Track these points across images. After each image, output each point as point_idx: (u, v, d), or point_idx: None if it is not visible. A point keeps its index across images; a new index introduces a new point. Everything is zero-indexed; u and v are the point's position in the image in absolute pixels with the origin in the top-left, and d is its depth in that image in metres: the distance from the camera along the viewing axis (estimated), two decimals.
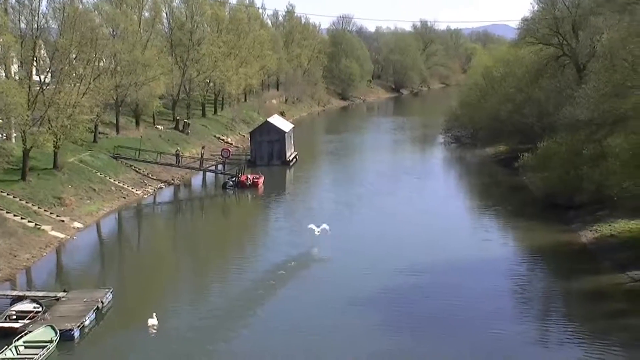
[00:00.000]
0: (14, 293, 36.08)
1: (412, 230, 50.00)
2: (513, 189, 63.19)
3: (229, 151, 78.83)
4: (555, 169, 52.37)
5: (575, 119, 50.37)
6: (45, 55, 63.11)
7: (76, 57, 59.75)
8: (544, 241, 45.71)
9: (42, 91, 56.13)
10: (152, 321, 32.41)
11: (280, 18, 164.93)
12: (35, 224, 48.11)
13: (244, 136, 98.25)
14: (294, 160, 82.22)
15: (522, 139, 73.10)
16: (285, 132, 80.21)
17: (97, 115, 64.83)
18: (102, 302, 34.55)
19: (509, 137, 78.59)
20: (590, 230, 46.00)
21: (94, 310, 33.54)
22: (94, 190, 59.00)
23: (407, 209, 56.90)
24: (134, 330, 32.11)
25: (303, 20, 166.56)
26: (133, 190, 63.31)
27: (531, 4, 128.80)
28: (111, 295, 35.77)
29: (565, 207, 51.12)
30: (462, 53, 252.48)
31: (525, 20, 78.09)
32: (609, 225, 45.54)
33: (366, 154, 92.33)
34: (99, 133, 72.25)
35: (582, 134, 50.01)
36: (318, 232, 46.80)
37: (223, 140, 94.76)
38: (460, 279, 38.42)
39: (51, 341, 30.00)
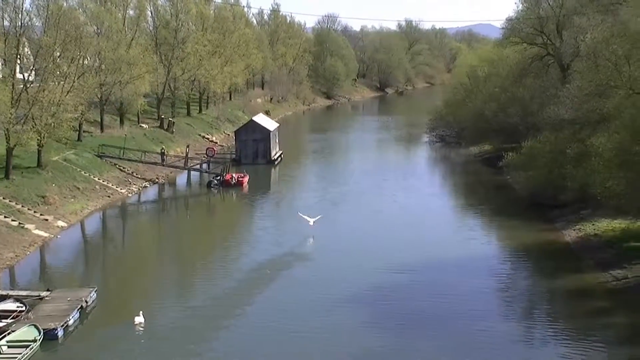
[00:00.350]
0: None
1: (397, 228, 50.14)
2: (497, 188, 63.50)
3: (214, 150, 78.66)
4: (539, 168, 52.58)
5: (559, 119, 50.66)
6: (29, 53, 62.75)
7: (60, 55, 59.47)
8: (528, 240, 45.94)
9: (25, 89, 55.81)
10: (139, 319, 32.34)
11: (266, 17, 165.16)
12: (19, 223, 47.84)
13: (228, 135, 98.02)
14: (279, 159, 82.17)
15: (506, 138, 73.28)
16: (270, 131, 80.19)
17: (81, 114, 64.48)
18: (86, 301, 34.42)
19: (494, 137, 78.81)
20: (574, 229, 46.27)
21: (78, 310, 33.41)
22: (78, 189, 58.74)
23: (392, 207, 57.08)
24: (118, 329, 31.97)
25: (288, 19, 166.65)
26: (117, 189, 63.10)
27: (515, 3, 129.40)
28: (95, 294, 35.64)
29: (549, 206, 51.41)
30: (447, 53, 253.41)
31: (509, 19, 78.58)
32: (593, 225, 45.82)
33: (351, 153, 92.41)
34: (83, 131, 71.87)
35: (566, 133, 50.28)
36: (312, 223, 47.99)
37: (208, 139, 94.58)
38: (444, 278, 38.59)
39: (35, 340, 29.85)
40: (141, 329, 31.86)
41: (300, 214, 49.85)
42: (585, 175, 43.43)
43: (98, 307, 35.03)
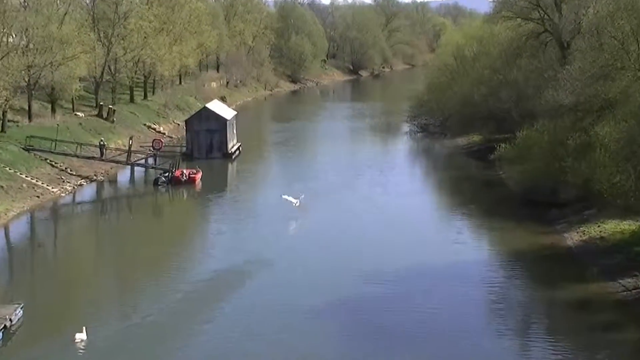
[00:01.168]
0: None
1: (373, 231, 50.06)
2: (488, 185, 63.77)
3: (161, 142, 78.04)
4: (536, 162, 52.68)
5: (559, 104, 50.76)
6: None
7: None
8: (523, 244, 46.08)
9: None
10: (80, 335, 32.21)
11: None
12: None
13: (178, 125, 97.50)
14: (237, 152, 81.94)
15: (498, 127, 73.66)
16: (226, 120, 79.83)
17: (5, 100, 63.73)
18: (10, 319, 33.81)
19: (483, 126, 79.14)
20: (577, 232, 46.44)
21: (1, 330, 32.81)
22: (1, 187, 57.92)
23: (368, 207, 57.00)
24: (48, 350, 31.50)
25: None
26: (48, 187, 62.34)
27: None
28: (22, 312, 35.04)
29: (547, 205, 51.53)
30: (429, 29, 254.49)
31: None
32: (598, 226, 46.01)
33: (320, 145, 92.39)
34: (8, 121, 71.02)
35: (567, 121, 50.40)
36: (296, 203, 51.23)
37: (154, 129, 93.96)
38: (428, 287, 38.59)
39: None
40: (82, 347, 31.52)
41: (284, 197, 52.75)
42: (589, 169, 43.48)
43: (25, 326, 34.44)
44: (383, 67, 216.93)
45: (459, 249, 45.60)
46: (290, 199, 52.92)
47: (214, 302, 37.21)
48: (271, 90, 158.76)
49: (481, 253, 45.90)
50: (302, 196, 53.73)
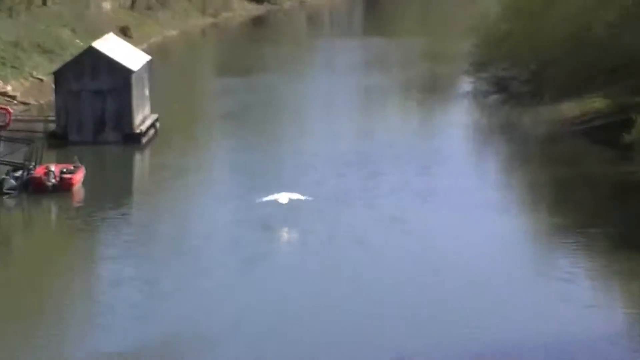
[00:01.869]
0: None
1: (410, 282, 49.77)
2: (623, 191, 64.58)
3: (9, 114, 77.50)
4: None
5: None
6: None
7: None
8: None
9: None
10: None
11: None
12: None
13: (41, 81, 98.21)
14: (152, 132, 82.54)
15: (636, 84, 73.36)
16: (131, 73, 79.85)
17: None
18: None
19: (612, 81, 79.04)
20: None
21: None
22: None
23: (399, 237, 57.14)
24: None
25: None
26: None
27: None
28: None
29: None
30: None
31: None
32: None
33: (307, 120, 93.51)
34: None
35: None
36: (285, 201, 57.01)
37: None
38: None
39: None
40: None
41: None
42: None
43: None
44: None
45: (574, 312, 45.32)
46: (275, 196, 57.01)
47: None
48: (215, 17, 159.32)
49: (614, 319, 45.19)
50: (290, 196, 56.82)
